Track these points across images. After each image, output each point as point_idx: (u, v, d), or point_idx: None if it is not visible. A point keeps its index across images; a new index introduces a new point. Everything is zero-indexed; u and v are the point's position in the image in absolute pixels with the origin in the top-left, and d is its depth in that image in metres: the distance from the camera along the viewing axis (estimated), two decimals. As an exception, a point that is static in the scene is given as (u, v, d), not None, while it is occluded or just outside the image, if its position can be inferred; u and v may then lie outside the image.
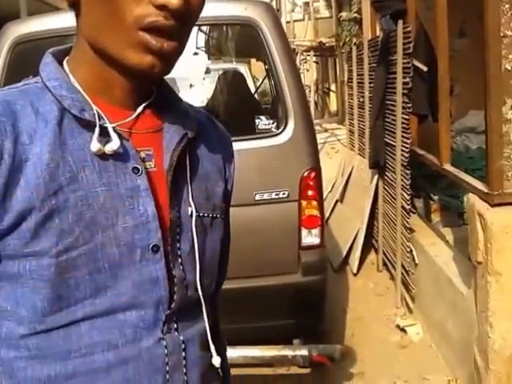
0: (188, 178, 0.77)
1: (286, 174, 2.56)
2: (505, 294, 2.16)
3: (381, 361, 2.90)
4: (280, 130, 2.59)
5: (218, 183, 0.84)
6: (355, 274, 4.02)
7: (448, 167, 2.86)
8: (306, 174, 2.55)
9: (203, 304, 0.77)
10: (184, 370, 0.74)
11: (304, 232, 2.59)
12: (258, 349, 2.55)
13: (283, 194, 2.56)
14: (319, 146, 9.77)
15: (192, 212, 0.75)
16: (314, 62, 12.05)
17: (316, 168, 2.59)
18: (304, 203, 2.57)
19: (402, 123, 3.32)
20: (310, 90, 11.35)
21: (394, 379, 2.70)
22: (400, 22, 3.38)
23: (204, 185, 0.80)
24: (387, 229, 3.78)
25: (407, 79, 3.24)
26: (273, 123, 2.67)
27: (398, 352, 2.97)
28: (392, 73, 3.55)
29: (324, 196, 5.62)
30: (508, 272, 2.15)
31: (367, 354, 2.99)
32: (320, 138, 9.61)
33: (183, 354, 0.74)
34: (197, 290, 0.76)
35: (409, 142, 3.32)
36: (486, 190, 2.26)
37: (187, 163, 0.77)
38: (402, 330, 3.14)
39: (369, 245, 4.28)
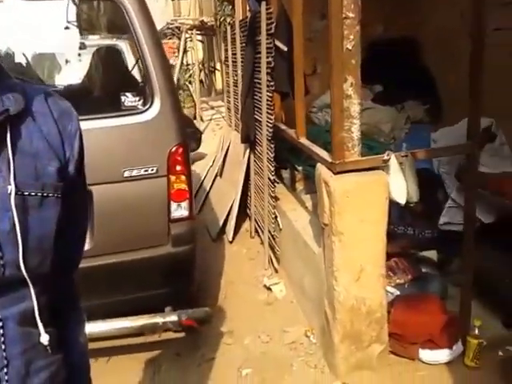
0: (9, 156, 0.75)
1: (154, 151, 2.67)
2: (346, 252, 2.49)
3: (248, 319, 3.18)
4: (146, 107, 2.68)
5: (51, 162, 0.82)
6: (231, 242, 4.28)
7: (303, 140, 3.15)
8: (173, 149, 2.68)
9: (30, 283, 0.76)
10: (3, 347, 0.75)
11: (173, 206, 2.73)
12: (129, 319, 2.67)
13: (152, 169, 2.68)
14: (206, 124, 9.81)
15: (11, 190, 0.74)
16: (199, 40, 11.99)
17: (183, 144, 2.73)
18: (173, 178, 2.71)
19: (267, 100, 3.57)
20: (200, 69, 11.36)
21: (259, 334, 2.99)
22: (263, 3, 3.58)
23: (33, 163, 0.79)
24: (258, 198, 4.06)
25: (270, 59, 3.47)
26: (139, 100, 2.75)
27: (264, 309, 3.27)
28: (258, 52, 3.76)
29: (206, 170, 5.85)
30: (348, 232, 2.47)
31: (237, 313, 3.26)
32: (207, 115, 9.79)
33: (1, 331, 0.74)
34: (20, 270, 0.75)
35: (272, 117, 3.58)
36: (330, 160, 2.55)
37: (7, 140, 0.75)
38: (269, 288, 3.45)
39: (244, 214, 4.55)
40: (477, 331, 2.57)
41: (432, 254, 3.28)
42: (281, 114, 3.87)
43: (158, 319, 2.69)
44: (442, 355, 2.61)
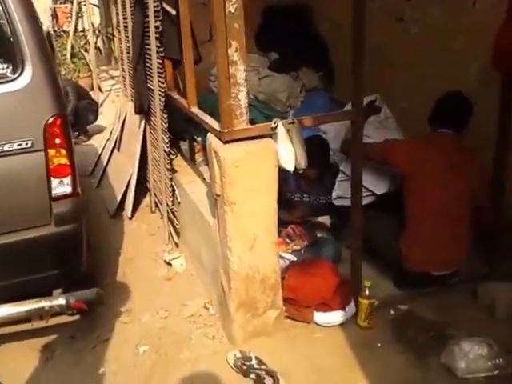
0: None
1: (28, 123, 2.46)
2: (239, 221, 2.46)
3: (148, 295, 3.09)
4: (16, 75, 2.44)
5: None
6: (130, 218, 4.12)
7: (194, 110, 3.06)
8: (50, 121, 2.48)
9: None
10: None
11: (54, 182, 2.55)
12: (11, 305, 2.49)
13: (26, 144, 2.47)
14: (105, 94, 9.30)
15: None
16: (94, 4, 11.26)
17: (61, 114, 2.53)
18: (51, 152, 2.52)
19: (157, 68, 3.41)
20: (96, 36, 10.69)
21: (157, 310, 2.92)
22: (149, -36, 3.38)
23: None
24: (155, 172, 3.92)
25: (158, 23, 3.30)
26: (7, 67, 2.49)
27: (163, 285, 3.20)
28: (147, 16, 3.56)
29: (103, 144, 5.58)
30: (240, 201, 2.44)
31: (136, 291, 3.16)
32: (106, 85, 9.30)
33: None
34: None
35: (164, 86, 3.43)
36: (219, 129, 2.48)
37: None
38: (169, 263, 3.37)
39: (144, 189, 4.40)
40: (367, 292, 2.67)
41: (326, 220, 3.36)
42: (175, 83, 3.73)
43: (44, 303, 2.53)
44: (336, 317, 2.69)
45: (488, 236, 2.99)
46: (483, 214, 2.86)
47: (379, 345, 2.55)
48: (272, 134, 2.46)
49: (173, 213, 3.54)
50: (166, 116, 3.45)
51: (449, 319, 2.69)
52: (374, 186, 3.05)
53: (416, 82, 3.59)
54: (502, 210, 2.97)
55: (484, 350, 2.34)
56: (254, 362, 2.36)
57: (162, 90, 3.43)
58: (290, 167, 2.49)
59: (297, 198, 3.47)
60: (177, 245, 3.57)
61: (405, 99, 3.52)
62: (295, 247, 3.19)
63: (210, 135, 2.61)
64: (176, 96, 3.55)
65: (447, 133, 2.84)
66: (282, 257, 3.01)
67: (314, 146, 3.14)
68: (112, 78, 9.85)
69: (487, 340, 2.39)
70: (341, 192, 3.21)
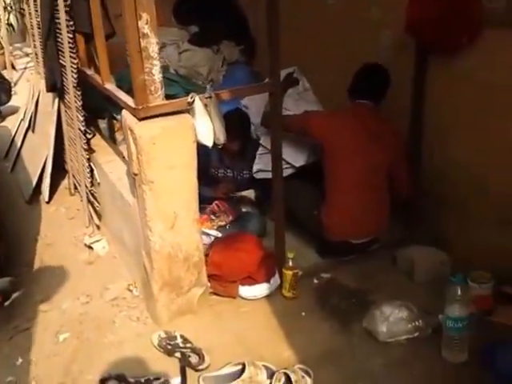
0: None
1: None
2: (158, 200, 2.39)
3: (68, 281, 2.97)
4: None
5: None
6: (48, 202, 3.93)
7: (108, 86, 2.92)
8: None
9: None
10: None
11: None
12: None
13: None
14: (20, 73, 8.75)
15: None
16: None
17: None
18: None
19: (68, 43, 3.22)
20: (8, 11, 9.97)
21: (78, 295, 2.82)
22: None
23: None
24: (73, 152, 3.75)
25: (65, -5, 3.11)
26: None
27: (85, 269, 3.09)
28: (54, -13, 3.35)
29: (16, 125, 5.25)
30: (158, 180, 2.37)
31: (56, 277, 3.02)
32: (21, 63, 8.75)
33: None
34: None
35: (76, 62, 3.26)
36: (133, 106, 2.39)
37: None
38: (90, 247, 3.25)
39: (63, 171, 4.20)
40: (291, 263, 2.70)
41: (251, 194, 3.35)
42: (89, 58, 3.53)
43: None
44: (261, 290, 2.71)
45: (406, 204, 3.10)
46: (400, 183, 2.95)
47: (304, 314, 2.59)
48: (189, 110, 2.40)
49: (92, 194, 3.41)
50: (79, 93, 3.29)
51: (370, 285, 2.78)
52: (293, 158, 3.07)
53: (333, 54, 3.62)
54: (418, 179, 3.09)
55: (404, 313, 2.42)
56: (179, 340, 2.33)
57: (75, 66, 3.26)
58: (209, 142, 2.44)
59: (220, 174, 3.44)
60: (98, 227, 3.45)
61: (322, 71, 3.54)
62: (220, 223, 3.17)
63: (124, 112, 2.51)
64: (90, 72, 3.38)
65: (366, 104, 2.89)
66: (206, 233, 3.00)
67: (234, 119, 3.12)
68: (26, 55, 9.28)
69: (407, 303, 2.48)
70: (261, 165, 3.21)
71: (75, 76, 3.25)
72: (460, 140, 2.85)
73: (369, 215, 2.84)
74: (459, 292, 2.19)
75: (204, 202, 3.13)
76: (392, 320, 2.40)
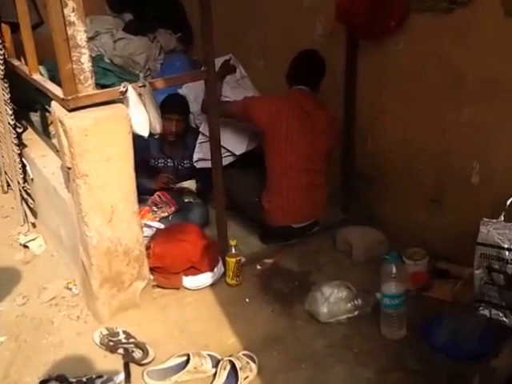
0: None
1: None
2: (93, 194, 2.32)
3: (3, 283, 2.84)
4: None
5: None
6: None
7: (36, 76, 2.81)
8: None
9: None
10: None
11: None
12: None
13: None
14: None
15: None
16: None
17: None
18: None
19: (-8, 32, 3.06)
20: None
21: (14, 297, 2.71)
22: None
23: None
24: (3, 147, 3.58)
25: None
26: None
27: (21, 269, 2.96)
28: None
29: None
30: (93, 173, 2.30)
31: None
32: None
33: None
34: None
35: (2, 52, 3.10)
36: (62, 96, 2.30)
37: None
38: (26, 246, 3.13)
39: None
40: (234, 250, 2.70)
41: (192, 184, 3.32)
42: (12, 48, 3.37)
43: None
44: (205, 279, 2.70)
45: (342, 185, 3.17)
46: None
47: (248, 300, 2.61)
48: (123, 100, 2.34)
49: (26, 191, 3.27)
50: (7, 85, 3.14)
51: (311, 267, 2.83)
52: (233, 146, 3.06)
53: (271, 41, 3.63)
54: (353, 161, 3.16)
55: (343, 293, 2.47)
56: (121, 336, 2.29)
57: (1, 57, 3.10)
58: (145, 133, 2.39)
59: (160, 164, 3.38)
60: (34, 225, 3.31)
61: (259, 58, 3.54)
62: (163, 214, 3.12)
63: (53, 104, 2.42)
64: (17, 63, 3.22)
65: (303, 89, 2.91)
66: (149, 226, 2.95)
67: (173, 101, 3.07)
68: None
69: (346, 283, 2.53)
70: (201, 154, 3.19)
71: (2, 67, 3.09)
72: (390, 123, 2.93)
73: (308, 199, 2.89)
74: (394, 270, 2.26)
75: (145, 193, 3.09)
76: (332, 300, 2.44)
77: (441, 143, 2.68)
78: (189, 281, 2.68)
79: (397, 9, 2.60)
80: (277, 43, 3.55)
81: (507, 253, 2.27)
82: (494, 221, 2.33)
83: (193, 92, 3.42)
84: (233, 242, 2.70)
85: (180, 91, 3.51)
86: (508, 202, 2.32)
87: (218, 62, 2.98)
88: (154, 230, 2.95)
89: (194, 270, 2.68)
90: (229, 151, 3.05)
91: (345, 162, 3.16)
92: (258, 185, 2.93)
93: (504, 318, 2.32)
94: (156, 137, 2.52)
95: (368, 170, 3.11)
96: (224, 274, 2.74)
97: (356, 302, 2.46)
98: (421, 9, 2.54)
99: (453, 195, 2.69)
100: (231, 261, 2.68)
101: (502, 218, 2.32)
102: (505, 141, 2.41)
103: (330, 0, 2.84)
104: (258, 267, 2.87)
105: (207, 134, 3.02)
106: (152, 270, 2.62)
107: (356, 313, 2.44)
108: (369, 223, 3.04)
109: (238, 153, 3.08)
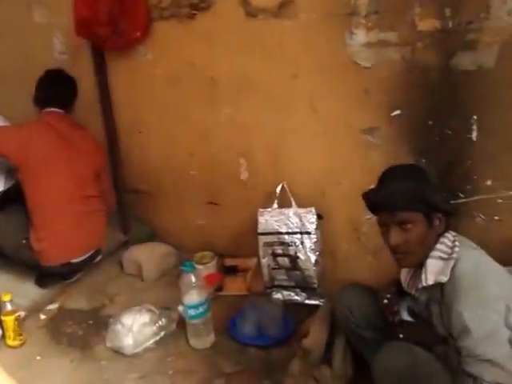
0: None
1: None
2: None
3: None
4: None
5: None
6: None
7: None
8: None
9: None
10: None
11: None
12: None
13: None
14: None
15: None
16: None
17: None
18: None
19: None
20: None
21: None
22: None
23: None
24: None
25: None
26: None
27: None
28: None
29: None
30: None
31: None
32: None
33: None
34: None
35: None
36: None
37: None
38: None
39: None
40: (9, 307, 2.32)
41: None
42: None
43: None
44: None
45: (118, 205, 3.01)
46: (106, 193, 2.83)
47: (39, 358, 2.27)
48: None
49: None
50: None
51: (103, 300, 2.63)
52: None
53: (6, 67, 3.22)
54: (121, 178, 3.02)
55: (146, 317, 2.32)
56: None
57: None
58: None
59: None
60: None
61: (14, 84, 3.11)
62: None
63: None
64: None
65: (56, 111, 2.64)
66: None
67: None
68: None
69: (145, 306, 2.39)
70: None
71: None
72: (154, 134, 2.90)
73: (83, 229, 2.64)
74: (193, 279, 2.23)
75: None
76: (136, 329, 2.27)
77: (207, 146, 2.74)
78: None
79: (139, 18, 2.56)
80: (16, 67, 3.16)
81: (286, 236, 2.45)
82: (269, 209, 2.49)
83: None
84: (6, 297, 2.31)
85: None
86: (277, 190, 2.51)
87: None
88: None
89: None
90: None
91: (114, 180, 3.00)
92: (23, 225, 2.57)
93: (296, 297, 2.51)
94: None
95: (140, 184, 3.02)
96: (3, 336, 2.33)
97: (160, 322, 2.35)
98: (164, 16, 2.54)
99: (227, 194, 2.79)
100: (9, 319, 2.30)
101: (276, 205, 2.49)
102: (262, 135, 2.57)
103: (66, 14, 2.64)
104: (43, 317, 2.53)
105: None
106: None
107: (162, 333, 2.33)
108: (153, 239, 2.95)
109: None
